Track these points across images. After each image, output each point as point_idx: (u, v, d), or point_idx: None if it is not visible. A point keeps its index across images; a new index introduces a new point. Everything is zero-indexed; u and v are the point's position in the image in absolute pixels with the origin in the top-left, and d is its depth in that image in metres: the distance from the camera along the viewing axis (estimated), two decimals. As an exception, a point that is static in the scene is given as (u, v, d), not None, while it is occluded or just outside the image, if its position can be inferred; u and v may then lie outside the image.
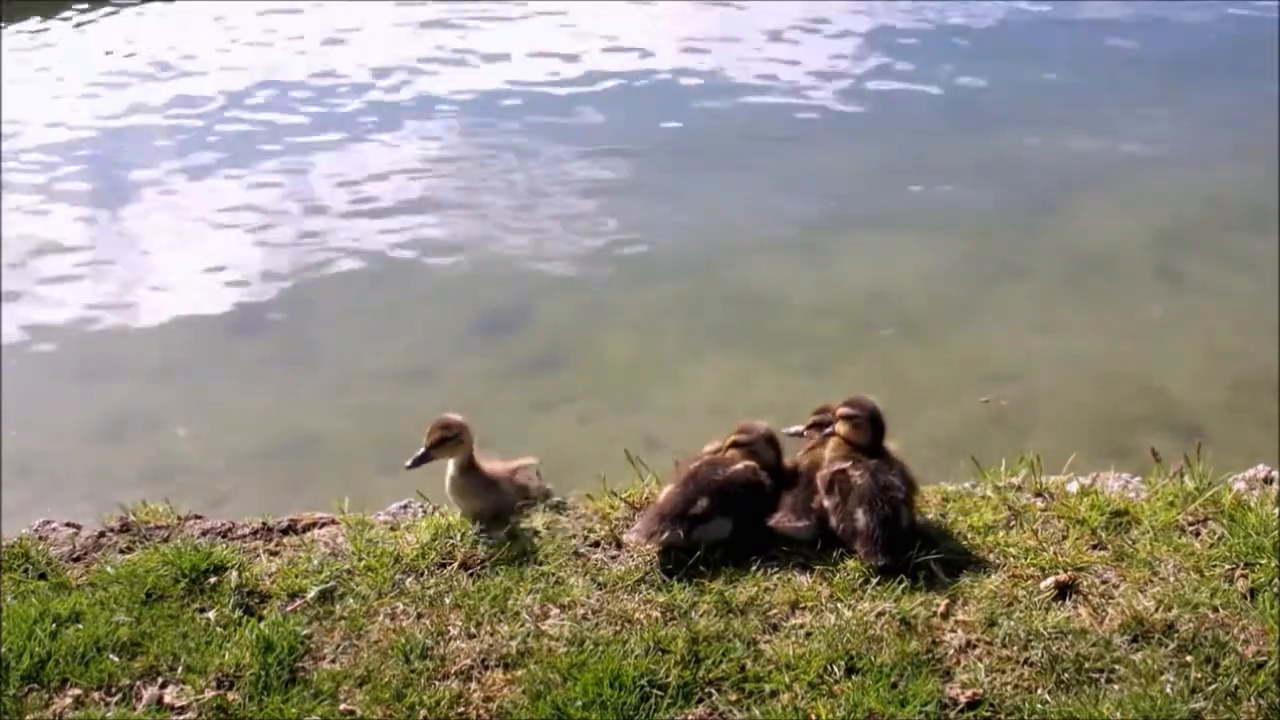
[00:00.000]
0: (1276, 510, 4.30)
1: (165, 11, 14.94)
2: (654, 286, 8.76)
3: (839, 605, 3.97)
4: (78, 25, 14.50)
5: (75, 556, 4.56)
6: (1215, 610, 3.86)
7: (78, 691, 3.80)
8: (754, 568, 4.17)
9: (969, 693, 3.58)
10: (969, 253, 8.99)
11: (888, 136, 11.02)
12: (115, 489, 6.03)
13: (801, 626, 3.89)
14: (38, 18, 14.59)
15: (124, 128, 11.85)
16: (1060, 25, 13.49)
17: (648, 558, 4.28)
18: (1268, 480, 4.65)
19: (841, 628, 3.85)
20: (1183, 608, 3.87)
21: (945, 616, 3.89)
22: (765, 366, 7.78)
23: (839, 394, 4.54)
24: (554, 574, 4.23)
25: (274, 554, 4.50)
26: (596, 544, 4.41)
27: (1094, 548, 4.23)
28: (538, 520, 4.54)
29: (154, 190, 10.61)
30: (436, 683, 3.78)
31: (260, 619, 4.07)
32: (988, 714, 3.54)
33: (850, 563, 4.16)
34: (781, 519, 4.34)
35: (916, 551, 4.11)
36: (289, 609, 4.14)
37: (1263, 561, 4.04)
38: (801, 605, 3.99)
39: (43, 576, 4.41)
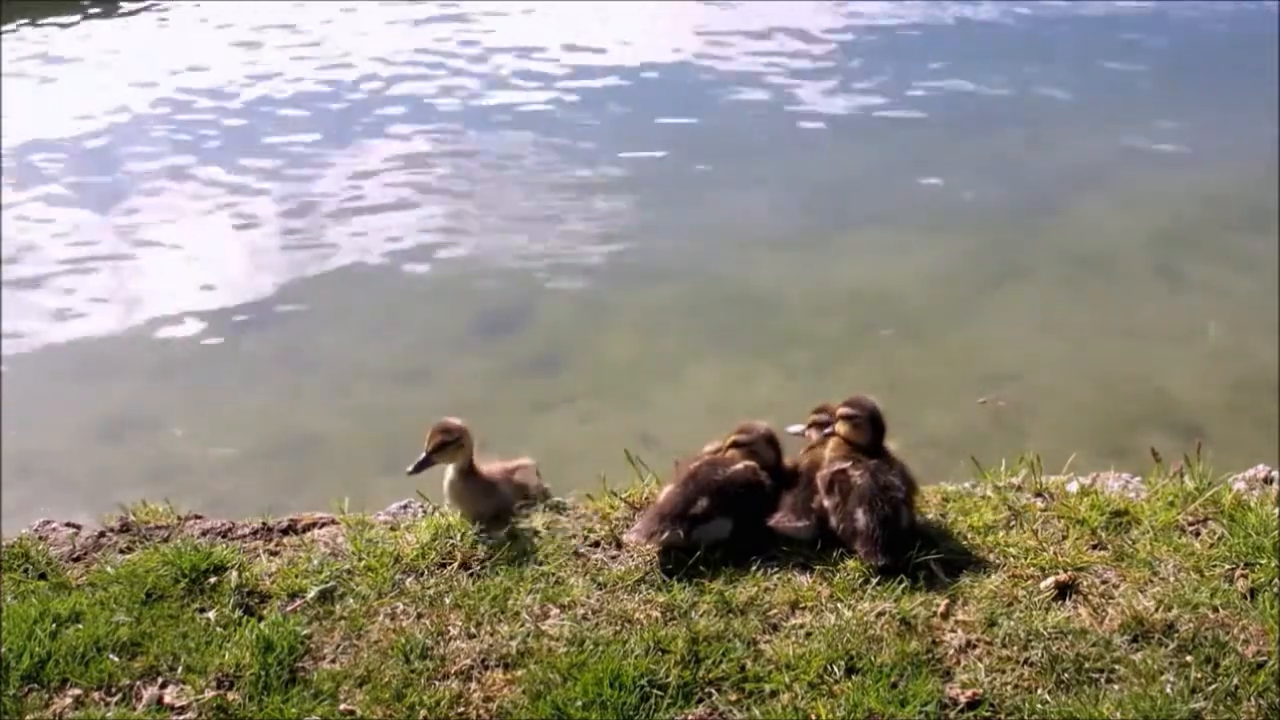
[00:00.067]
0: (1276, 510, 4.30)
1: (165, 12, 14.94)
2: (654, 286, 8.77)
3: (839, 605, 3.97)
4: (76, 27, 14.51)
5: (75, 556, 4.56)
6: (1215, 610, 3.86)
7: (78, 691, 3.80)
8: (754, 568, 4.17)
9: (969, 693, 3.58)
10: (969, 253, 9.00)
11: (887, 136, 11.03)
12: (115, 489, 6.02)
13: (801, 626, 3.89)
14: (30, 19, 14.60)
15: (124, 128, 11.85)
16: (1060, 24, 13.50)
17: (648, 558, 4.28)
18: (1268, 480, 4.65)
19: (841, 628, 3.85)
20: (1183, 608, 3.87)
21: (945, 616, 3.89)
22: (765, 366, 7.78)
23: (839, 394, 4.54)
24: (554, 574, 4.23)
25: (274, 554, 4.50)
26: (596, 544, 4.41)
27: (1094, 548, 4.23)
28: (538, 520, 4.54)
29: (154, 190, 10.62)
30: (436, 683, 3.78)
31: (260, 619, 4.07)
32: (988, 714, 3.54)
33: (850, 563, 4.16)
34: (781, 519, 4.33)
35: (916, 551, 4.11)
36: (289, 609, 4.13)
37: (1263, 561, 4.04)
38: (801, 605, 3.99)
39: (43, 576, 4.41)
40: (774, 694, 3.63)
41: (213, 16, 14.55)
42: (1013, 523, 4.39)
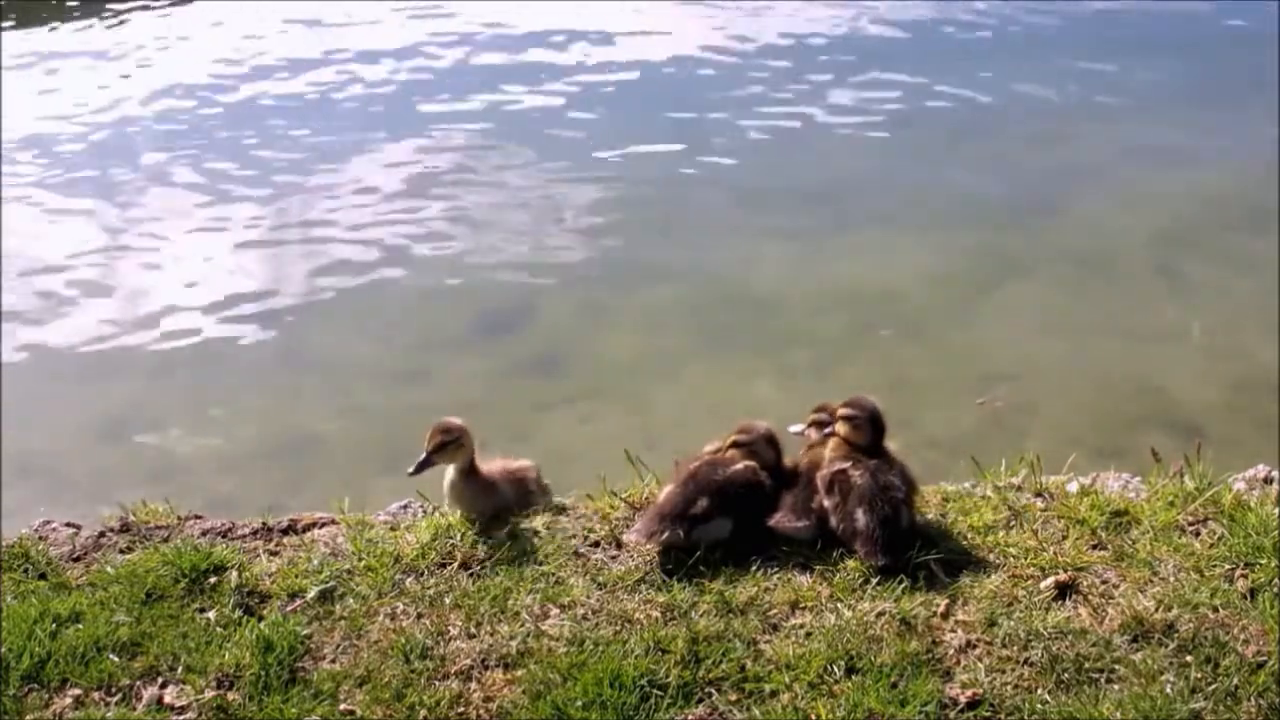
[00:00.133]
0: (1276, 510, 4.30)
1: (166, 13, 14.94)
2: (654, 286, 8.76)
3: (839, 605, 3.96)
4: (75, 29, 14.51)
5: (75, 556, 4.56)
6: (1215, 610, 3.85)
7: (78, 691, 3.80)
8: (754, 568, 4.17)
9: (969, 693, 3.58)
10: (969, 252, 9.00)
11: (887, 136, 11.02)
12: (115, 489, 6.03)
13: (801, 626, 3.89)
14: (29, 19, 14.60)
15: (123, 129, 11.86)
16: (1060, 24, 13.50)
17: (648, 558, 4.27)
18: (1268, 480, 4.65)
19: (841, 628, 3.85)
20: (1183, 608, 3.86)
21: (945, 616, 3.89)
22: (765, 366, 7.78)
23: (839, 394, 4.54)
24: (554, 574, 4.23)
25: (274, 554, 4.50)
26: (596, 544, 4.41)
27: (1094, 548, 4.23)
28: (538, 520, 4.54)
29: (154, 190, 10.62)
30: (436, 683, 3.78)
31: (260, 619, 4.07)
32: (988, 714, 3.54)
33: (850, 563, 4.16)
34: (781, 519, 4.33)
35: (916, 551, 4.11)
36: (289, 609, 4.13)
37: (1263, 561, 4.04)
38: (801, 605, 3.99)
39: (43, 576, 4.41)
40: (774, 694, 3.63)
41: (213, 16, 14.55)
42: (1013, 523, 4.39)
